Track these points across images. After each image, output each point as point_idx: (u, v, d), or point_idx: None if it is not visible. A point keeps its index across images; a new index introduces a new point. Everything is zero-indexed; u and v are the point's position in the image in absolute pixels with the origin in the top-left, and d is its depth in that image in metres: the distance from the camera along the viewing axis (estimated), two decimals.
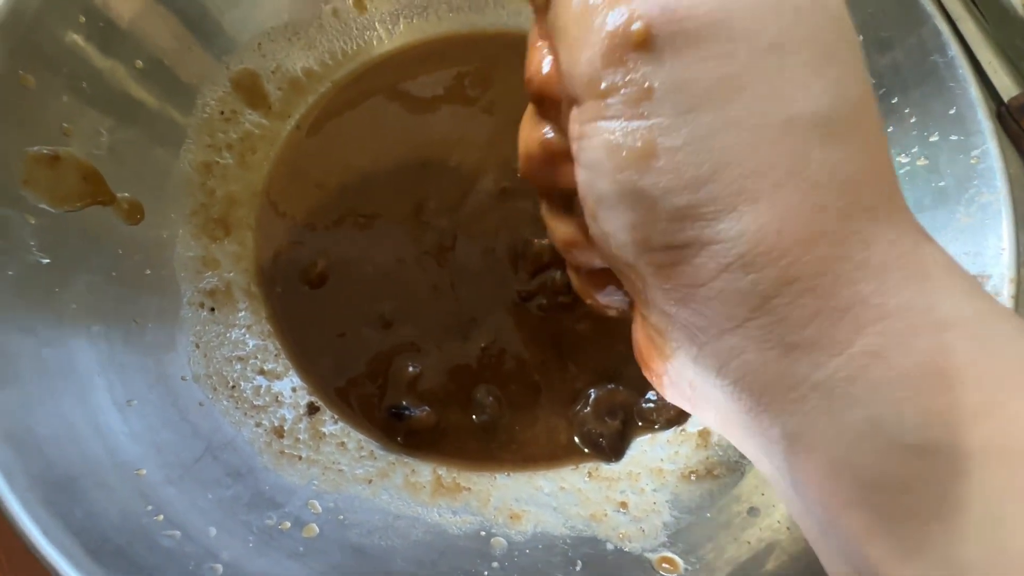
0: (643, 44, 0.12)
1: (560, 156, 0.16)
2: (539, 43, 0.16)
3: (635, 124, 0.12)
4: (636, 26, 0.12)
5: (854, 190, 0.12)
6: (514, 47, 0.35)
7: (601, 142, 0.13)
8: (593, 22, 0.12)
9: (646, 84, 0.12)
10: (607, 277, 0.18)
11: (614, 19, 0.12)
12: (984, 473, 0.11)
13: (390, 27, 0.33)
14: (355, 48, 0.33)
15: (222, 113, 0.29)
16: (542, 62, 0.16)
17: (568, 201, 0.17)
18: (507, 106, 0.33)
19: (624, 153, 0.13)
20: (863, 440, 0.12)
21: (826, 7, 0.13)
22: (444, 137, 0.32)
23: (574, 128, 0.14)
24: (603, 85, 0.13)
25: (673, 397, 0.16)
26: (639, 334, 0.16)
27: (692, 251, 0.12)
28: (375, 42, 0.33)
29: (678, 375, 0.15)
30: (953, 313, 0.12)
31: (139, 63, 0.26)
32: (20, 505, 0.17)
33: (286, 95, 0.31)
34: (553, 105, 0.15)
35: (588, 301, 0.19)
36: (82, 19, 0.23)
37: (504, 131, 0.32)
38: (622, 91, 0.12)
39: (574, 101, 0.14)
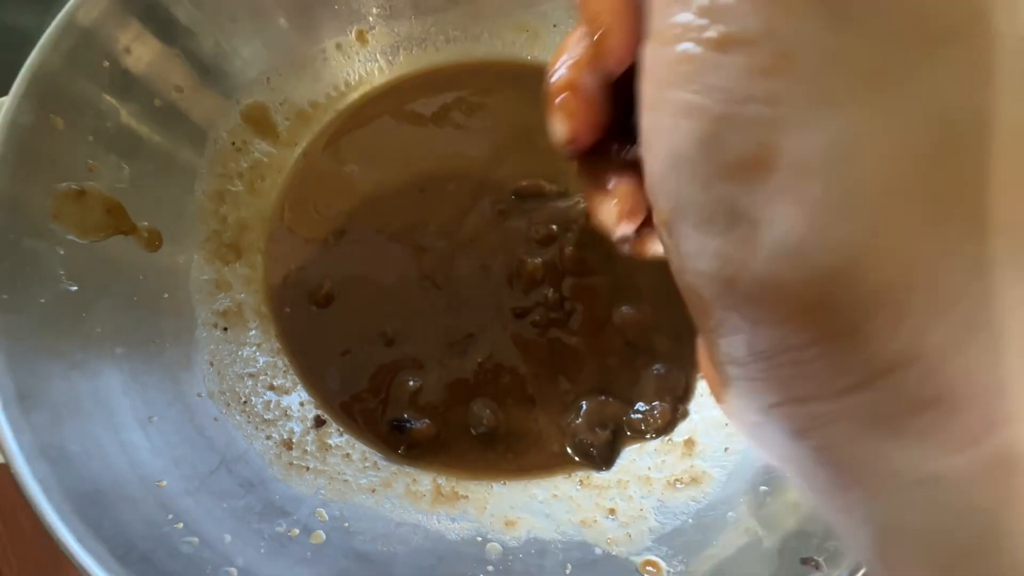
0: None
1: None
2: None
3: (750, 108, 0.09)
4: None
5: (989, 242, 0.09)
6: (508, 75, 0.37)
7: (698, 120, 0.09)
8: None
9: (787, 42, 0.09)
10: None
11: None
12: None
13: (390, 58, 0.35)
14: (358, 79, 0.35)
15: (233, 144, 0.31)
16: None
17: None
18: (502, 131, 0.34)
19: (723, 151, 0.09)
20: (974, 558, 0.10)
21: None
22: (443, 162, 0.33)
23: (670, 56, 0.10)
24: (723, 27, 0.09)
25: (733, 422, 0.13)
26: (703, 352, 0.13)
27: (796, 309, 0.09)
28: (376, 73, 0.35)
29: (741, 412, 0.12)
30: None
31: (157, 102, 0.28)
32: (57, 516, 0.18)
33: (293, 125, 0.33)
34: None
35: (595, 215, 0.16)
36: (105, 64, 0.25)
37: (499, 155, 0.34)
38: (751, 43, 0.09)
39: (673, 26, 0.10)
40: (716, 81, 0.09)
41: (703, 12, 0.09)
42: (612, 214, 0.16)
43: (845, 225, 0.09)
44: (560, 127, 0.15)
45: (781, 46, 0.09)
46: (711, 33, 0.09)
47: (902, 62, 0.09)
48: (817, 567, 0.19)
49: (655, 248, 0.16)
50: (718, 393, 0.13)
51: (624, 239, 0.16)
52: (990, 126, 0.09)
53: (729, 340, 0.11)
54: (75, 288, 0.24)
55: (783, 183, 0.09)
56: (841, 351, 0.10)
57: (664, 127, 0.10)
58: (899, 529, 0.10)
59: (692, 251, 0.10)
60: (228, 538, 0.21)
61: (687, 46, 0.09)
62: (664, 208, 0.11)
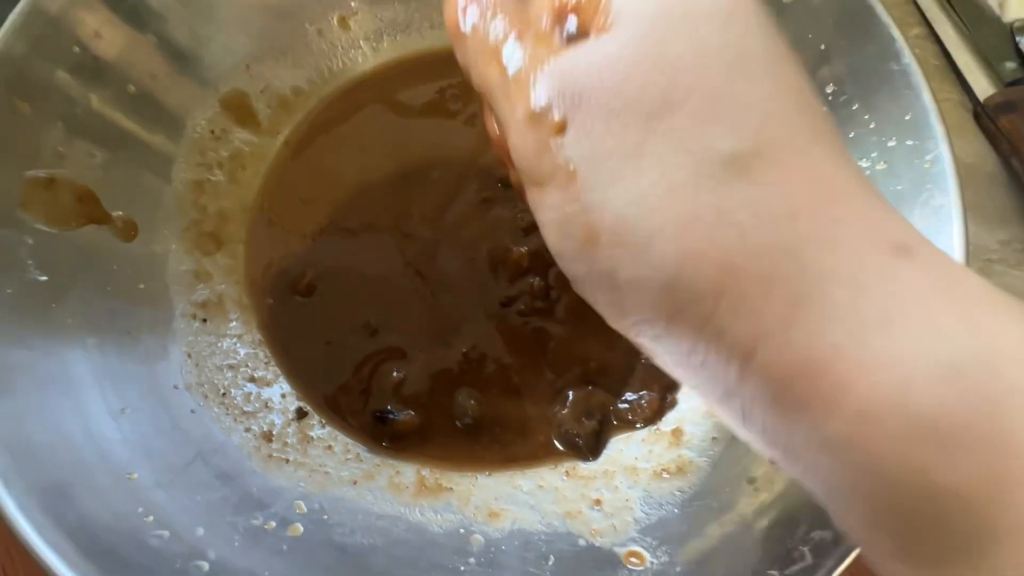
0: (560, 129, 0.13)
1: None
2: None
3: (571, 209, 0.13)
4: (553, 116, 0.13)
5: (789, 224, 0.12)
6: None
7: (553, 228, 0.14)
8: (516, 113, 0.14)
9: (569, 167, 0.13)
10: None
11: (536, 108, 0.13)
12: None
13: (374, 44, 0.34)
14: (341, 66, 0.34)
15: (212, 132, 0.31)
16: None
17: None
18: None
19: (572, 241, 0.13)
20: (897, 512, 0.11)
21: (710, 45, 0.12)
22: (427, 150, 0.33)
23: (531, 200, 0.15)
24: (537, 174, 0.14)
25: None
26: None
27: (666, 322, 0.13)
28: (360, 59, 0.34)
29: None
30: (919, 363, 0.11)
31: (131, 88, 0.27)
32: (17, 509, 0.18)
33: (275, 113, 0.33)
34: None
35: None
36: (75, 49, 0.25)
37: (485, 143, 0.33)
38: (553, 178, 0.13)
39: (524, 180, 0.15)
40: (553, 202, 0.14)
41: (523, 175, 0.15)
42: None
43: (657, 252, 0.12)
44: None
45: (565, 168, 0.13)
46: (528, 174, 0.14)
47: (640, 141, 0.12)
48: (803, 558, 0.19)
49: None
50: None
51: None
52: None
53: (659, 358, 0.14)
54: (44, 278, 0.23)
55: (609, 244, 0.13)
56: (710, 343, 0.12)
57: (542, 224, 0.15)
58: (824, 485, 0.12)
59: (592, 300, 0.15)
60: (201, 531, 0.21)
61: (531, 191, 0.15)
62: (567, 273, 0.15)
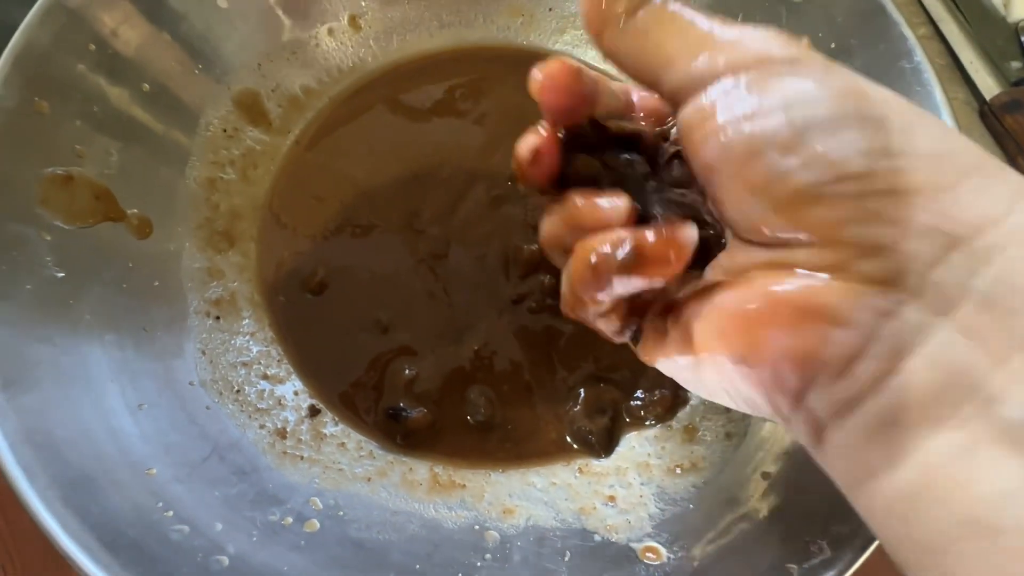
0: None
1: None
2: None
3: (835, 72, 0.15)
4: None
5: None
6: (502, 60, 0.37)
7: (799, 83, 0.14)
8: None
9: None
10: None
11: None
12: None
13: (383, 44, 0.34)
14: (350, 65, 0.34)
15: (225, 131, 0.31)
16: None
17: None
18: (497, 117, 0.34)
19: (840, 86, 0.14)
20: None
21: None
22: (437, 148, 0.33)
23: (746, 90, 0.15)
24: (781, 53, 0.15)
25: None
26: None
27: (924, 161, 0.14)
28: (370, 59, 0.34)
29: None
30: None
31: (145, 87, 0.27)
32: (41, 502, 0.18)
33: (286, 112, 0.33)
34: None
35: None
36: (92, 47, 0.25)
37: (494, 141, 0.33)
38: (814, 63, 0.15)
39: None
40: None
41: None
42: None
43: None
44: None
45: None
46: None
47: None
48: (821, 551, 0.19)
49: None
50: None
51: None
52: None
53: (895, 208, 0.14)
54: (63, 275, 0.23)
55: (877, 99, 0.15)
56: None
57: (771, 90, 0.15)
58: None
59: (831, 146, 0.14)
60: (219, 526, 0.21)
61: None
62: (790, 133, 0.14)
